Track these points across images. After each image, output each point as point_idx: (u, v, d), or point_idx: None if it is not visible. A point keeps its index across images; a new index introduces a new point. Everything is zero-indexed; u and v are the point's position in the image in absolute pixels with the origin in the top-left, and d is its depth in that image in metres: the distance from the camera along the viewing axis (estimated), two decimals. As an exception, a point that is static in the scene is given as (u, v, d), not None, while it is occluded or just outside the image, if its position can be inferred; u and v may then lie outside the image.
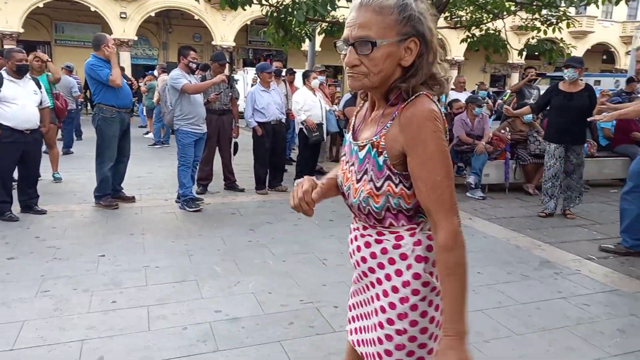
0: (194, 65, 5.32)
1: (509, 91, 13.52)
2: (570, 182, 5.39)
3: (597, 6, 7.69)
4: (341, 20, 9.46)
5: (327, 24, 9.20)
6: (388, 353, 1.28)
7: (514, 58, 24.56)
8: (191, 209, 5.21)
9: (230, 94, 6.17)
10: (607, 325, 2.96)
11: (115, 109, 5.12)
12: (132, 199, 5.54)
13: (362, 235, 1.33)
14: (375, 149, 1.23)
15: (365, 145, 1.25)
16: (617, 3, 7.23)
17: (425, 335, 1.27)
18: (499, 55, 10.99)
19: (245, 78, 17.27)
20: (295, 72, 9.04)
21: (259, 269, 3.72)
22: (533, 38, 9.40)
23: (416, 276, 1.25)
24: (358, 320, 1.43)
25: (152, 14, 21.77)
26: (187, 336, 2.68)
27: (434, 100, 1.21)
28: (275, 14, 7.65)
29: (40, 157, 5.13)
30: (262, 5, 7.69)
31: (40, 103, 4.97)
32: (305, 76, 6.88)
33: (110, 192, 5.31)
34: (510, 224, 5.18)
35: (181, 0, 20.47)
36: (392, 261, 1.27)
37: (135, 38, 21.63)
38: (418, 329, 1.26)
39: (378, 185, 1.23)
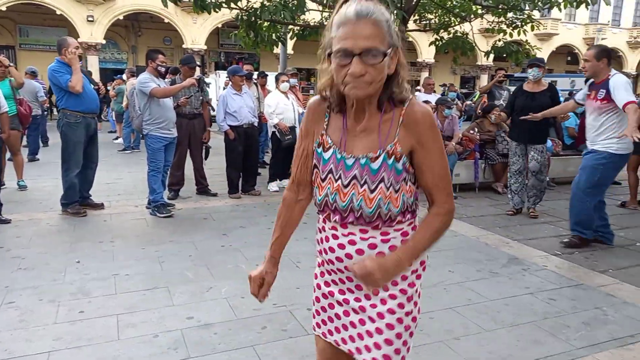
0: (163, 69, 5.25)
1: (478, 92, 13.79)
2: (534, 181, 5.51)
3: (560, 9, 7.93)
4: (312, 24, 9.50)
5: (298, 27, 9.20)
6: (398, 336, 1.41)
7: (483, 60, 25.15)
8: (162, 215, 5.14)
9: (201, 97, 6.12)
10: (572, 318, 3.05)
11: (80, 114, 5.00)
12: (100, 206, 5.43)
13: (363, 239, 1.36)
14: (392, 157, 1.31)
15: (379, 155, 1.32)
16: (577, 6, 7.46)
17: (416, 307, 1.46)
18: (467, 57, 11.21)
19: (217, 81, 17.14)
20: (267, 75, 9.00)
21: (232, 273, 3.69)
22: (499, 40, 9.63)
23: (422, 262, 1.44)
24: (351, 326, 1.46)
25: (121, 17, 21.41)
26: (157, 344, 2.64)
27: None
28: (245, 18, 7.62)
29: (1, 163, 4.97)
30: (231, 9, 7.66)
31: None
32: (276, 79, 6.88)
33: (77, 199, 5.19)
34: (480, 222, 5.28)
35: (150, 3, 20.15)
36: None
37: (104, 42, 21.23)
38: (414, 303, 1.44)
39: (397, 188, 1.34)
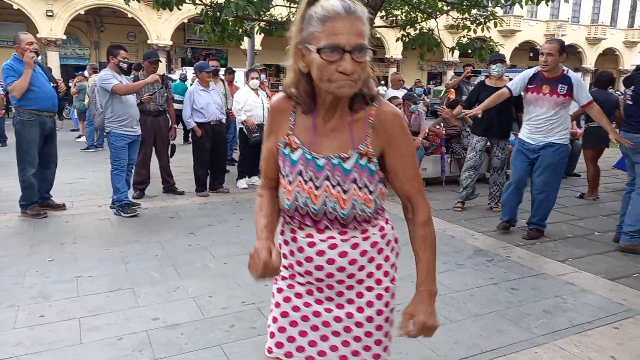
0: (125, 65, 5.11)
1: (443, 88, 14.01)
2: (496, 177, 5.62)
3: (521, 6, 8.13)
4: (279, 19, 9.43)
5: (264, 23, 9.13)
6: (386, 335, 1.42)
7: (449, 56, 25.57)
8: (127, 215, 5.02)
9: (166, 94, 6.00)
10: (533, 307, 3.15)
11: (35, 112, 4.79)
12: (62, 207, 5.26)
13: (344, 240, 1.33)
14: (365, 157, 1.29)
15: (351, 155, 1.28)
16: (538, 3, 7.67)
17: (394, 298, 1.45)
18: (433, 53, 11.37)
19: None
20: (234, 72, 8.91)
21: (199, 272, 3.64)
22: (464, 37, 9.80)
23: (396, 255, 1.44)
24: (333, 335, 1.39)
25: (82, 12, 20.78)
26: (121, 346, 2.59)
27: None
28: (210, 13, 7.51)
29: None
30: (195, 4, 7.53)
31: None
32: (248, 75, 6.79)
33: (37, 200, 5.02)
34: (446, 215, 5.38)
35: (113, -2, 19.67)
36: (380, 251, 1.37)
37: (64, 37, 20.57)
38: (391, 295, 1.42)
39: (372, 189, 1.32)
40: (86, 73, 11.35)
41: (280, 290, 1.44)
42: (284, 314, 1.41)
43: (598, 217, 5.44)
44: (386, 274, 1.39)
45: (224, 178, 6.49)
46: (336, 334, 1.38)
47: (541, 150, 4.37)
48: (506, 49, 24.64)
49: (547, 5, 8.10)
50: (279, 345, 1.41)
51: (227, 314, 2.97)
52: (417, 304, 1.34)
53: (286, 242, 1.40)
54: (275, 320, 1.43)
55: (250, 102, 6.40)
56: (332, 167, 1.29)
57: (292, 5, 8.86)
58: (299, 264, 1.37)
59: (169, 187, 6.16)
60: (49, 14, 19.75)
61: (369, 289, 1.37)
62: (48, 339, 2.64)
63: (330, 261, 1.33)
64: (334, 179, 1.29)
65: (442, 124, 7.24)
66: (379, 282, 1.37)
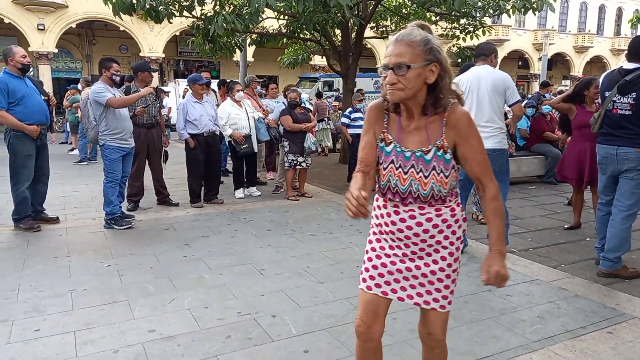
0: (118, 78, 5.13)
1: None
2: None
3: (509, 15, 8.27)
4: (270, 31, 9.52)
5: (256, 35, 9.20)
6: (453, 281, 1.85)
7: (440, 65, 25.78)
8: (121, 227, 5.01)
9: (158, 105, 6.02)
10: (527, 313, 3.17)
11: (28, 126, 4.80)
12: (55, 220, 5.24)
13: (421, 214, 1.75)
14: (441, 150, 1.70)
15: (431, 149, 1.70)
16: (525, 12, 7.80)
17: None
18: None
19: (176, 90, 16.88)
20: (228, 84, 8.93)
21: (195, 284, 3.64)
22: (454, 46, 9.93)
23: (463, 231, 1.83)
24: (413, 279, 1.82)
25: (73, 25, 20.79)
26: (117, 359, 2.58)
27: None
28: (201, 26, 7.56)
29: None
30: (185, 17, 7.57)
31: None
32: (230, 88, 6.80)
33: (30, 213, 4.99)
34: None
35: (104, 11, 19.54)
36: (449, 226, 1.78)
37: (56, 51, 20.56)
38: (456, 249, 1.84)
39: (447, 174, 1.72)
40: (79, 86, 11.35)
41: (370, 241, 1.90)
42: (370, 259, 1.87)
43: (589, 223, 5.48)
44: (452, 243, 1.80)
45: (218, 189, 6.50)
46: (415, 277, 1.81)
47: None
48: (496, 58, 24.89)
49: (535, 14, 8.24)
50: (365, 279, 1.87)
51: (223, 325, 2.97)
52: (492, 259, 1.73)
53: (378, 207, 1.86)
54: (368, 260, 1.87)
55: (234, 116, 6.41)
56: (416, 158, 1.72)
57: (282, 18, 8.94)
58: (387, 224, 1.81)
59: (163, 198, 6.16)
60: (40, 27, 19.74)
61: (444, 247, 1.78)
62: (43, 353, 2.63)
63: (409, 227, 1.77)
64: (418, 167, 1.72)
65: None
66: (445, 247, 1.79)
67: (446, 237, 1.78)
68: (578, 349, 2.72)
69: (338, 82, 14.31)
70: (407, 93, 1.63)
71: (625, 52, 3.88)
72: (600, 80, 4.02)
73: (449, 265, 1.80)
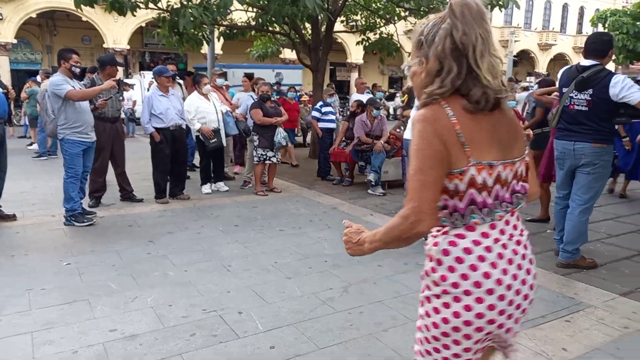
0: (78, 70, 4.95)
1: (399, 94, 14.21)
2: None
3: (475, 13, 8.39)
4: (239, 24, 9.39)
5: (225, 27, 9.07)
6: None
7: (409, 60, 26.05)
8: (81, 224, 4.86)
9: (121, 98, 5.85)
10: (490, 303, 3.24)
11: None
12: (12, 217, 5.04)
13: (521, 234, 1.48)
14: None
15: None
16: (491, 9, 7.94)
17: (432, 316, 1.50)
18: (393, 58, 11.57)
19: (142, 82, 16.48)
20: (194, 76, 8.77)
21: (159, 281, 3.57)
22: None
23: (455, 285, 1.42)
24: None
25: (34, 15, 20.00)
26: (77, 360, 2.50)
27: (443, 107, 1.34)
28: (167, 18, 7.39)
29: None
30: (151, 9, 7.39)
31: None
32: (196, 81, 6.66)
33: (-15, 211, 4.79)
34: (408, 217, 5.46)
35: (66, 0, 18.99)
36: None
37: (15, 41, 19.74)
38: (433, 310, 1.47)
39: None
40: (39, 78, 10.91)
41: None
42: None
43: (550, 215, 5.65)
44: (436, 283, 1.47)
45: (185, 184, 6.38)
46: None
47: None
48: (463, 54, 25.29)
49: (501, 11, 8.40)
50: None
51: (187, 323, 2.92)
52: (368, 231, 1.51)
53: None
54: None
55: (202, 109, 6.30)
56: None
57: (251, 10, 8.83)
58: None
59: (127, 194, 6.00)
60: (-2, 16, 18.93)
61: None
62: (-3, 356, 2.53)
63: (525, 247, 1.51)
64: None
65: (402, 127, 7.37)
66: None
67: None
68: (538, 337, 2.80)
69: (233, 74, 13.20)
70: (417, 93, 1.52)
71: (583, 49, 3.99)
72: (559, 76, 4.11)
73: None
